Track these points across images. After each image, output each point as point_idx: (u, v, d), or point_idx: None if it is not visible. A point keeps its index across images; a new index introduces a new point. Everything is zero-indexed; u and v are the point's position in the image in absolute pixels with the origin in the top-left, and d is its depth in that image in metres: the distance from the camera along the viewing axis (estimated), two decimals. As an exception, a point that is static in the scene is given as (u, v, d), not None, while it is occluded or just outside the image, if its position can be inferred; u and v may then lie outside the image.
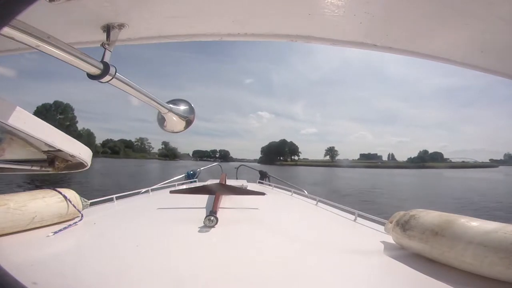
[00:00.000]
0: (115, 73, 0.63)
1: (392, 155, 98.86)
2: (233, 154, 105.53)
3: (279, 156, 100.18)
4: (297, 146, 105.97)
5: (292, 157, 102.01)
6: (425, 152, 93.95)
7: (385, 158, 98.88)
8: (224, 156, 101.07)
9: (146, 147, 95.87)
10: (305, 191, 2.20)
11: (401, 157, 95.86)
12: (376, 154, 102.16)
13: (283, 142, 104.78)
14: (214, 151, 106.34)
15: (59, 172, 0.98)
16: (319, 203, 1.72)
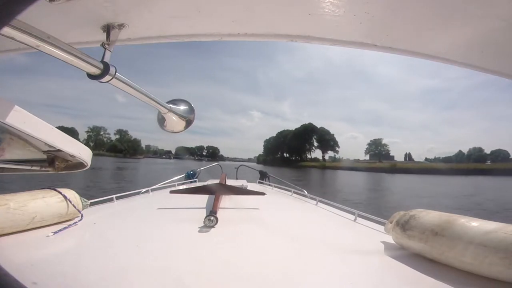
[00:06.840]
0: (115, 73, 0.64)
1: (409, 154, 77.37)
2: (223, 153, 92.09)
3: (294, 155, 70.74)
4: (332, 134, 70.80)
5: (324, 154, 70.07)
6: (480, 149, 68.42)
7: (397, 158, 77.75)
8: (212, 155, 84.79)
9: (104, 139, 73.03)
10: (305, 191, 2.20)
11: (417, 157, 79.66)
12: (389, 153, 78.55)
13: (309, 128, 70.40)
14: (200, 148, 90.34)
15: (59, 172, 0.98)
16: (319, 203, 1.73)
